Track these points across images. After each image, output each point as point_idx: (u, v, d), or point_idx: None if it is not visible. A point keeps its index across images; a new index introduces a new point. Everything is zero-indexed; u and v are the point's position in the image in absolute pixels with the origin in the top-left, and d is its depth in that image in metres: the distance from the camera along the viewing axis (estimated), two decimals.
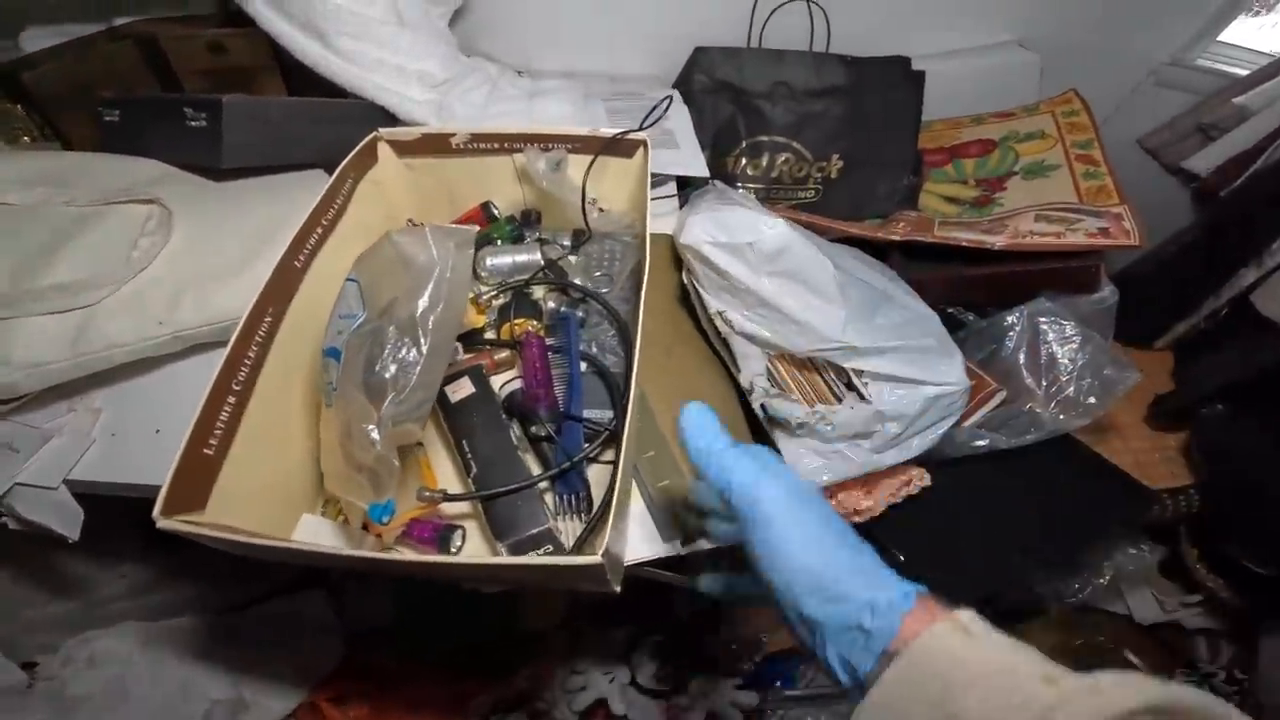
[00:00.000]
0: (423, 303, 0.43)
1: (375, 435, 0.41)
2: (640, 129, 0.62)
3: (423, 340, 0.43)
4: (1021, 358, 0.65)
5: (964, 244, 0.72)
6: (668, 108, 0.73)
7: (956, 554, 0.61)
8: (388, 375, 0.42)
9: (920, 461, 0.59)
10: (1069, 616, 0.98)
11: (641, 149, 0.62)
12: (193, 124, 0.63)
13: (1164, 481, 0.79)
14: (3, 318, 0.53)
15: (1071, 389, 0.63)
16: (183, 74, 0.92)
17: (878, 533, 0.59)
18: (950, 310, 0.74)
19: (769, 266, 0.56)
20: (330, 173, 0.55)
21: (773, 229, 0.55)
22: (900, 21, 0.96)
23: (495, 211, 0.69)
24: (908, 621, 0.28)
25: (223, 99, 0.61)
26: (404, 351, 0.43)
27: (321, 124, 0.71)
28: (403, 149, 0.62)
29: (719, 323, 0.60)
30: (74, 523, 0.55)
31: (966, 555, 0.61)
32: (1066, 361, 0.64)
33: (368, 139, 0.59)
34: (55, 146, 0.74)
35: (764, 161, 0.88)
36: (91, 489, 0.55)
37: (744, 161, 0.88)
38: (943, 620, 0.27)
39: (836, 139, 0.87)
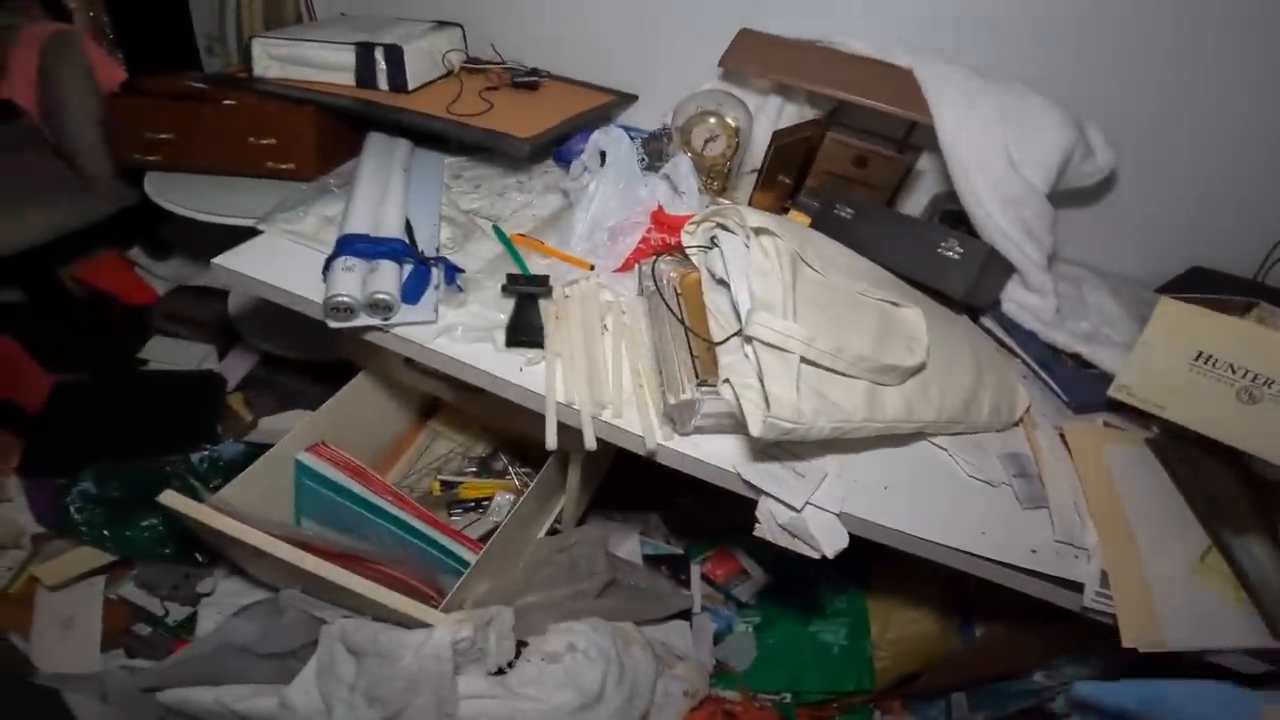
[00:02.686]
0: None
1: None
2: None
3: None
4: None
5: None
6: None
7: None
8: None
9: None
10: None
11: None
12: (946, 254, 0.78)
13: None
14: (844, 373, 0.68)
15: None
16: (816, 168, 1.10)
17: None
18: None
19: None
20: None
21: None
22: None
23: None
24: None
25: (989, 249, 0.77)
26: None
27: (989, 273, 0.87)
28: None
29: None
30: (837, 543, 0.68)
31: None
32: None
33: None
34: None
35: None
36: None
37: None
38: None
39: None
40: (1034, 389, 0.89)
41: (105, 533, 0.96)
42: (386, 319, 0.74)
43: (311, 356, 1.26)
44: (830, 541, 0.67)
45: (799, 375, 0.65)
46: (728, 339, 0.70)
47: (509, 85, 1.23)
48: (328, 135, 1.07)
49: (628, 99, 1.31)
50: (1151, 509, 0.73)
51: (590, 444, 0.70)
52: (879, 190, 1.11)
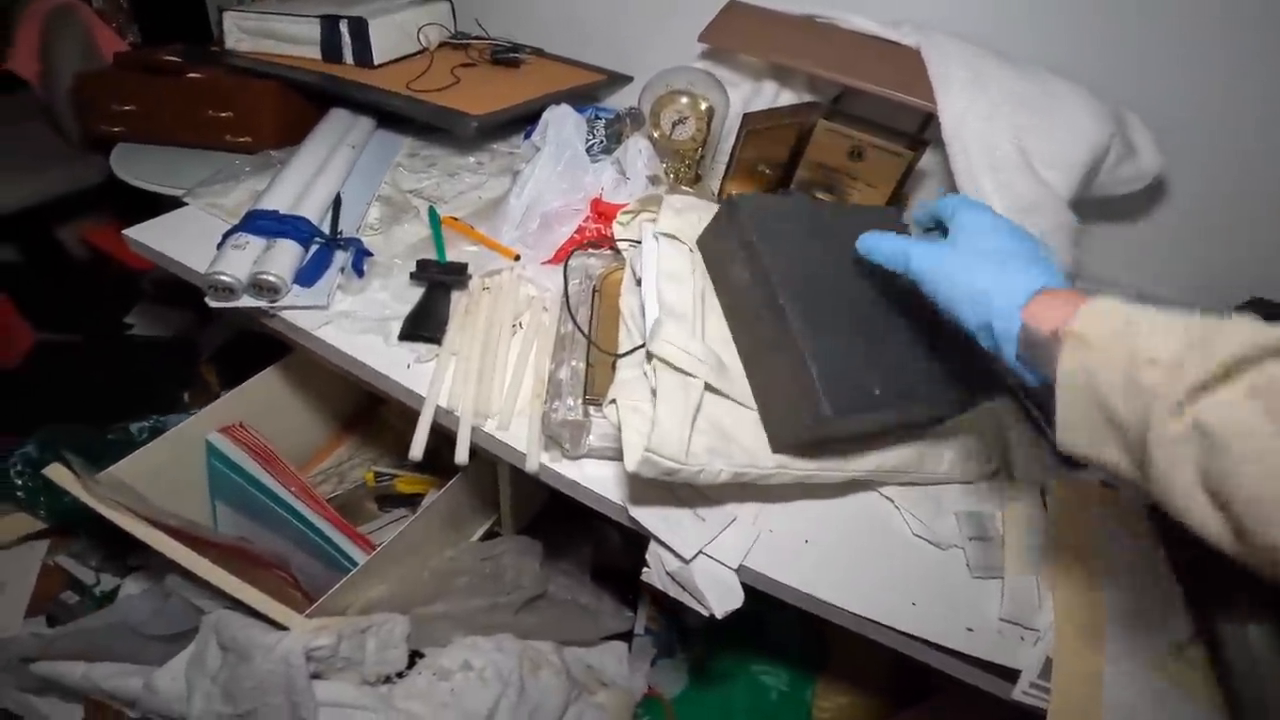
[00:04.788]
0: None
1: None
2: None
3: None
4: None
5: None
6: None
7: None
8: None
9: None
10: None
11: None
12: None
13: None
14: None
15: None
16: (807, 159, 0.97)
17: None
18: None
19: None
20: None
21: None
22: None
23: None
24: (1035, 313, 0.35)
25: None
26: None
27: None
28: None
29: None
30: (729, 602, 0.58)
31: None
32: None
33: None
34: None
35: None
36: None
37: None
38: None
39: None
40: (1025, 434, 0.74)
41: (40, 498, 0.96)
42: (273, 301, 0.69)
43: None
44: (721, 599, 0.57)
45: (699, 406, 0.55)
46: (630, 352, 0.61)
47: (487, 62, 1.16)
48: (289, 111, 1.04)
49: (621, 79, 1.22)
50: (1133, 586, 0.58)
51: (461, 457, 0.62)
52: (878, 188, 0.98)
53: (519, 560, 0.92)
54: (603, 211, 0.80)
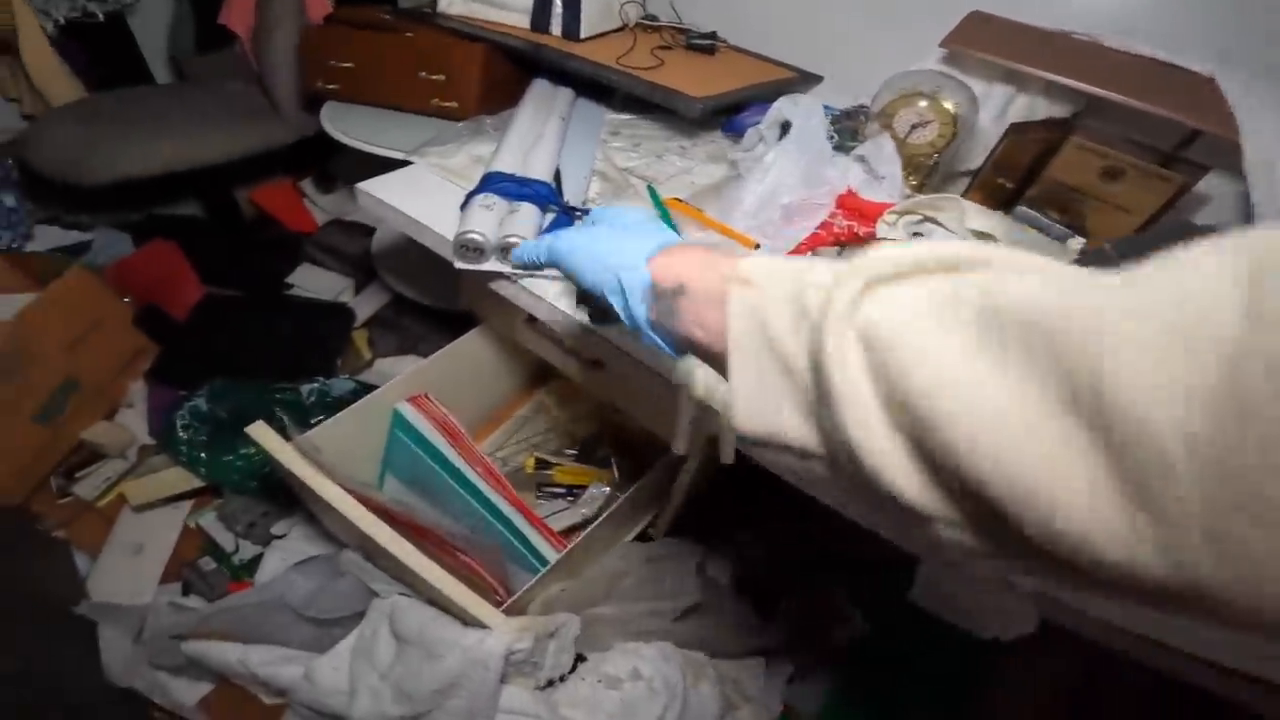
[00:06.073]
0: None
1: None
2: None
3: None
4: None
5: None
6: None
7: None
8: None
9: None
10: None
11: None
12: None
13: None
14: None
15: None
16: (1046, 176, 0.88)
17: None
18: None
19: None
20: None
21: None
22: None
23: None
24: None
25: None
26: None
27: None
28: None
29: None
30: (1018, 627, 0.48)
31: None
32: None
33: None
34: None
35: None
36: None
37: None
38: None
39: None
40: None
41: (202, 455, 0.94)
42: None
43: (439, 304, 1.22)
44: (1009, 624, 0.48)
45: None
46: None
47: (682, 47, 1.12)
48: (493, 77, 1.01)
49: (810, 79, 1.15)
50: None
51: (728, 456, 0.55)
52: (1131, 214, 0.86)
53: (683, 565, 0.87)
54: (855, 208, 0.73)
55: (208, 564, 0.96)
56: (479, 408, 1.03)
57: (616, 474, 1.00)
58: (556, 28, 1.02)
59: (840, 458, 0.24)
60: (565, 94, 1.00)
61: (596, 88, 1.01)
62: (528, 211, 0.66)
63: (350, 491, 0.67)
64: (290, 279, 1.35)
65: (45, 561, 0.92)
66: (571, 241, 0.41)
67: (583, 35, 1.02)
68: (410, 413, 0.80)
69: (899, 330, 0.22)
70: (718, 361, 0.31)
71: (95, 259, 1.31)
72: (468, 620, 0.65)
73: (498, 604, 0.65)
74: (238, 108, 1.34)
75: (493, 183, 0.68)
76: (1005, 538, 0.20)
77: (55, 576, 0.91)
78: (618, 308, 0.37)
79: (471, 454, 0.80)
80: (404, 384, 0.82)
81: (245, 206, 1.49)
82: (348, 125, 1.02)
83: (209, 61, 1.48)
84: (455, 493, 0.79)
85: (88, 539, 0.98)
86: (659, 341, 0.36)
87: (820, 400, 0.24)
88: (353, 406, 0.78)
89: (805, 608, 0.98)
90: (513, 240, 0.63)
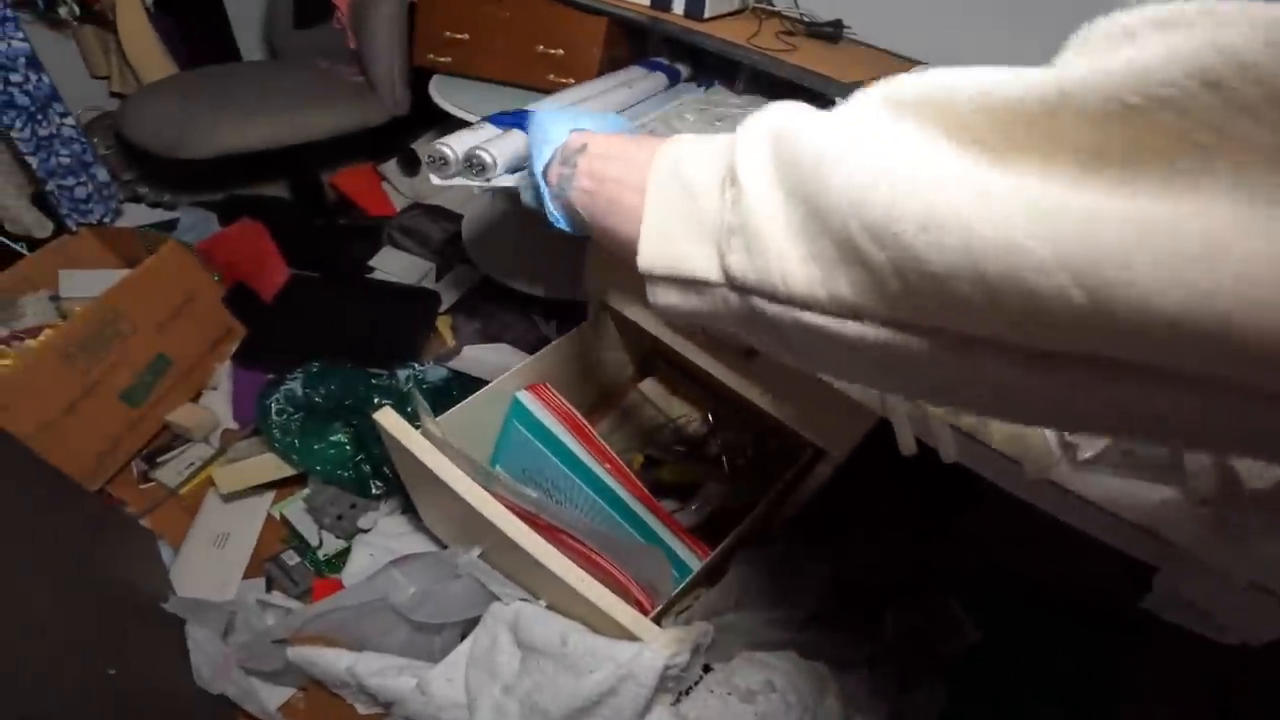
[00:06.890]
0: None
1: None
2: None
3: None
4: None
5: None
6: None
7: None
8: None
9: None
10: None
11: None
12: None
13: None
14: None
15: None
16: None
17: None
18: None
19: None
20: None
21: None
22: None
23: None
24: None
25: None
26: None
27: None
28: None
29: None
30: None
31: None
32: None
33: None
34: None
35: None
36: None
37: None
38: None
39: None
40: None
41: (295, 442, 0.88)
42: (486, 180, 0.62)
43: (546, 293, 1.17)
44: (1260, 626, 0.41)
45: None
46: None
47: (804, 34, 1.06)
48: (611, 54, 0.97)
49: None
50: None
51: (949, 454, 0.48)
52: None
53: (814, 568, 0.82)
54: None
55: (291, 558, 0.90)
56: (583, 400, 0.98)
57: (729, 471, 0.93)
58: (679, 7, 0.97)
59: (738, 282, 0.25)
60: (656, 77, 0.97)
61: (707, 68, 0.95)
62: (514, 136, 0.64)
63: (480, 485, 0.62)
64: (371, 261, 1.32)
65: (132, 552, 0.88)
66: (546, 112, 0.41)
67: (707, 15, 0.97)
68: (531, 402, 0.75)
69: (804, 124, 0.23)
70: (597, 221, 0.32)
71: (181, 237, 1.29)
72: (611, 630, 0.59)
73: (643, 612, 0.59)
74: (331, 85, 1.31)
75: (495, 115, 0.67)
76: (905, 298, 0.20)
77: (142, 569, 0.87)
78: (531, 163, 0.38)
79: (597, 447, 0.74)
80: (522, 373, 0.77)
81: (329, 189, 1.47)
82: (458, 98, 0.98)
83: (304, 36, 1.46)
84: (578, 489, 0.73)
85: (167, 528, 0.93)
86: (549, 203, 0.37)
87: (730, 208, 0.25)
88: (474, 396, 0.74)
89: (915, 615, 0.91)
90: (479, 153, 0.61)
